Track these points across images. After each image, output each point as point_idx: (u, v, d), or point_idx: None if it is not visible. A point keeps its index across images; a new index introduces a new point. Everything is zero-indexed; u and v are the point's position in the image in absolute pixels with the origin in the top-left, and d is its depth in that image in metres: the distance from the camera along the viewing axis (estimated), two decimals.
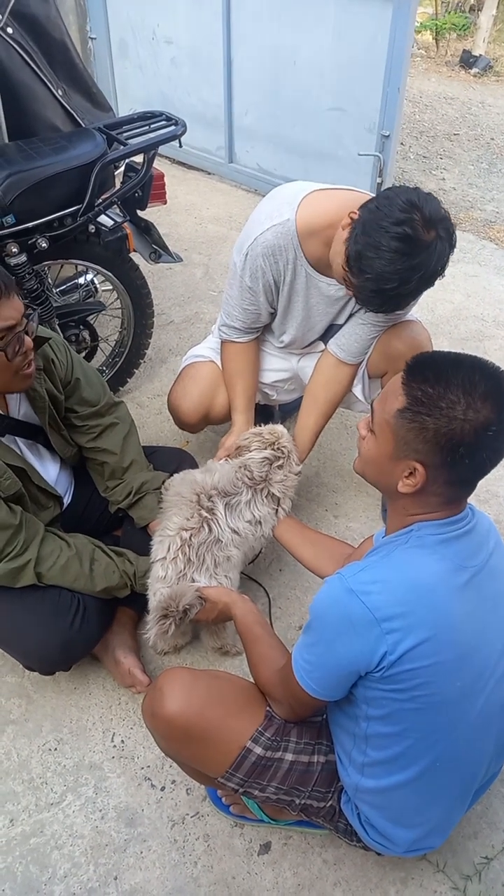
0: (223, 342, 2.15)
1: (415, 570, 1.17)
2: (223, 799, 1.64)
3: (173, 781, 1.71)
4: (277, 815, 1.57)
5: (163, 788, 1.70)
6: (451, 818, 1.35)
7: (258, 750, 1.33)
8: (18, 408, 1.72)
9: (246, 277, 1.93)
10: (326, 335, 2.11)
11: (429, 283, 1.65)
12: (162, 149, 2.37)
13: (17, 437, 1.73)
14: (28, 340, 1.55)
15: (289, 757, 1.35)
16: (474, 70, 7.72)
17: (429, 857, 1.59)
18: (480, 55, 7.81)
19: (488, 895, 1.54)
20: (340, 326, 2.05)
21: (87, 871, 1.56)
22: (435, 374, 1.14)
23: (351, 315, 2.02)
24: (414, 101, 6.77)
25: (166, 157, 5.15)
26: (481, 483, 2.62)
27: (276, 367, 2.28)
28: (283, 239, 1.85)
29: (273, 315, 2.07)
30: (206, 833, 1.62)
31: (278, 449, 1.88)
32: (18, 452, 1.70)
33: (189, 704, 1.32)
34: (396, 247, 1.57)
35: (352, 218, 1.65)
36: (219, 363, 2.22)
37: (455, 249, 1.65)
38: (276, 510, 1.86)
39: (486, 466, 1.16)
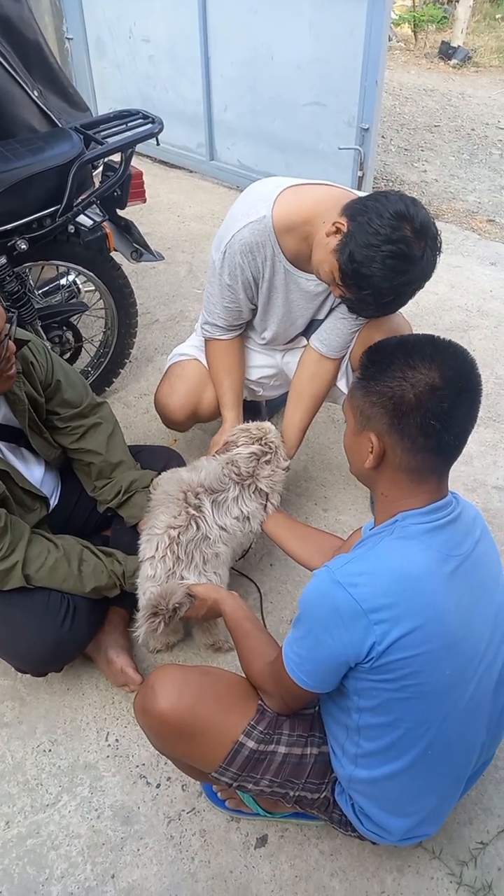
0: (207, 340, 2.15)
1: (401, 560, 1.17)
2: (218, 794, 1.65)
3: (168, 778, 1.71)
4: (273, 807, 1.58)
5: (158, 786, 1.71)
6: (445, 806, 1.36)
7: (251, 744, 1.34)
8: None
9: (225, 275, 1.94)
10: (308, 330, 2.11)
11: (421, 287, 1.71)
12: (143, 148, 2.37)
13: None
14: (11, 345, 1.56)
15: (282, 750, 1.36)
16: (453, 61, 7.74)
17: (425, 844, 1.60)
18: (459, 46, 7.83)
19: (484, 880, 1.55)
20: (322, 321, 2.05)
21: (84, 870, 1.57)
22: (384, 348, 1.24)
23: (332, 310, 2.02)
24: (394, 94, 6.78)
25: (147, 156, 5.13)
26: (469, 471, 2.63)
27: (261, 363, 2.29)
28: (260, 236, 1.85)
29: (254, 312, 2.08)
30: (203, 828, 1.63)
31: (265, 444, 1.89)
32: (0, 456, 1.70)
33: (180, 701, 1.33)
34: (392, 265, 1.60)
35: (338, 227, 1.66)
36: (203, 361, 2.22)
37: (440, 244, 1.68)
38: (265, 505, 1.87)
39: (438, 429, 1.16)
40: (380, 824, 1.34)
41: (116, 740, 1.79)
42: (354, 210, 1.64)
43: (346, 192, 1.83)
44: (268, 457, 1.88)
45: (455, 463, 1.24)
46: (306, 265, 1.87)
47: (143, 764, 1.74)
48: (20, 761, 1.76)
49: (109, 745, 1.78)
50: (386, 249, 1.58)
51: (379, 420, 1.19)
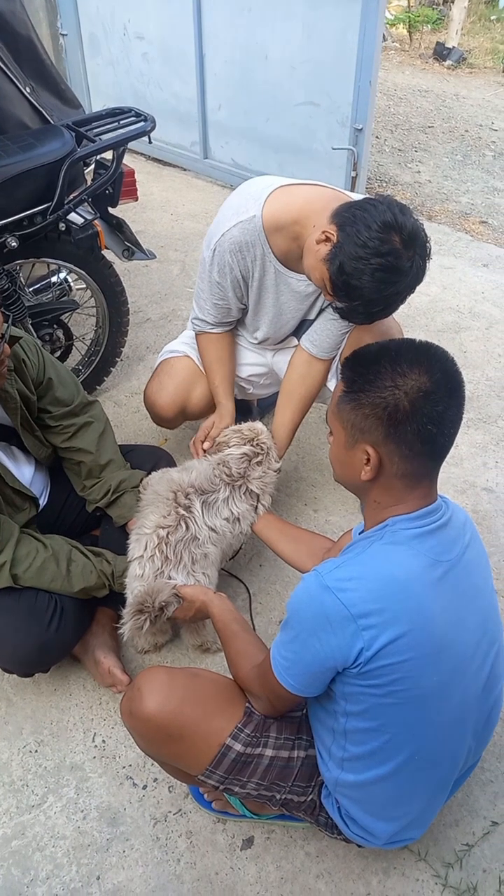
0: (197, 334, 2.15)
1: (390, 565, 1.17)
2: (205, 795, 1.64)
3: (155, 780, 1.71)
4: (259, 809, 1.58)
5: (144, 787, 1.70)
6: (431, 810, 1.37)
7: (238, 747, 1.33)
8: None
9: (214, 273, 1.94)
10: (299, 331, 2.11)
11: (413, 292, 1.71)
12: (137, 146, 2.36)
13: None
14: (6, 347, 1.55)
15: (268, 753, 1.35)
16: (448, 62, 7.75)
17: (410, 846, 1.60)
18: (454, 47, 7.84)
19: (470, 882, 1.55)
20: (312, 321, 2.05)
21: (69, 871, 1.56)
22: (364, 356, 1.23)
23: (321, 311, 2.02)
24: (388, 95, 6.78)
25: (141, 154, 5.11)
26: (459, 473, 2.62)
27: (252, 361, 2.29)
28: (249, 235, 1.85)
29: (244, 310, 2.08)
30: (189, 830, 1.63)
31: (257, 445, 1.89)
32: None
33: (167, 703, 1.32)
34: (381, 277, 1.61)
35: (327, 236, 1.65)
36: (194, 357, 2.22)
37: (429, 250, 1.67)
38: (256, 507, 1.86)
39: (434, 433, 1.17)
40: (365, 828, 1.34)
41: (103, 741, 1.79)
42: (343, 219, 1.64)
43: (337, 193, 1.82)
44: (259, 458, 1.87)
45: (445, 465, 1.24)
46: (296, 265, 1.87)
47: (130, 765, 1.74)
48: (6, 762, 1.75)
49: (96, 746, 1.78)
50: (375, 262, 1.58)
51: (374, 431, 1.18)
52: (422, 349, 1.20)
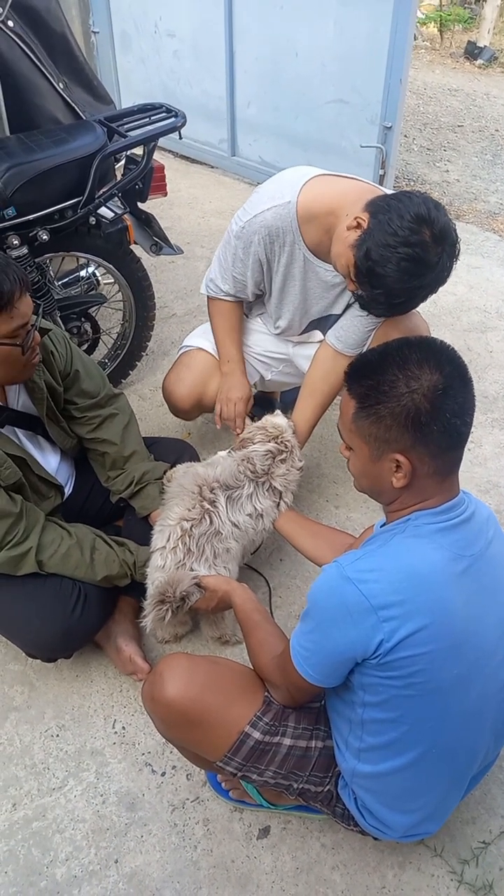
0: (210, 298, 2.16)
1: (412, 558, 1.17)
2: (223, 784, 1.66)
3: (174, 767, 1.73)
4: (276, 799, 1.59)
5: (163, 774, 1.72)
6: (448, 805, 1.37)
7: (256, 734, 1.34)
8: (17, 399, 1.74)
9: (239, 249, 1.96)
10: (324, 326, 2.11)
11: (435, 292, 1.71)
12: (165, 142, 2.38)
13: (16, 428, 1.75)
14: (37, 335, 1.59)
15: (287, 742, 1.36)
16: (479, 61, 7.69)
17: (426, 841, 1.60)
18: (485, 46, 7.77)
19: (486, 879, 1.55)
20: (338, 317, 2.05)
21: (88, 854, 1.59)
22: (368, 368, 1.22)
23: (348, 305, 2.02)
24: (418, 93, 6.74)
25: (169, 151, 5.14)
26: (483, 473, 2.60)
27: (271, 347, 2.30)
28: (282, 221, 1.86)
29: (259, 296, 2.09)
30: (206, 817, 1.64)
31: (281, 443, 1.89)
32: (18, 443, 1.72)
33: (188, 689, 1.34)
34: (406, 267, 1.61)
35: (358, 222, 1.66)
36: (212, 350, 2.24)
37: (458, 251, 1.68)
38: (278, 503, 1.87)
39: (458, 425, 1.17)
40: (381, 820, 1.34)
41: (123, 728, 1.81)
42: (377, 207, 1.64)
43: (373, 188, 1.83)
44: (283, 455, 1.88)
45: (469, 464, 1.24)
46: (327, 255, 1.88)
47: (149, 752, 1.76)
48: (28, 745, 1.78)
49: (116, 733, 1.80)
50: (402, 252, 1.59)
51: (400, 440, 1.18)
52: (423, 346, 1.19)
